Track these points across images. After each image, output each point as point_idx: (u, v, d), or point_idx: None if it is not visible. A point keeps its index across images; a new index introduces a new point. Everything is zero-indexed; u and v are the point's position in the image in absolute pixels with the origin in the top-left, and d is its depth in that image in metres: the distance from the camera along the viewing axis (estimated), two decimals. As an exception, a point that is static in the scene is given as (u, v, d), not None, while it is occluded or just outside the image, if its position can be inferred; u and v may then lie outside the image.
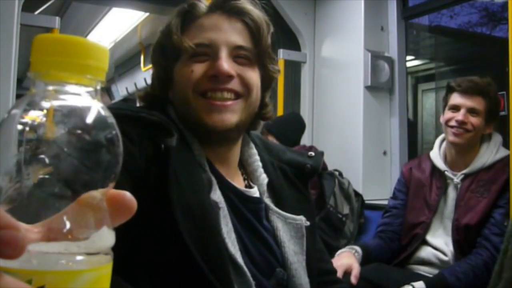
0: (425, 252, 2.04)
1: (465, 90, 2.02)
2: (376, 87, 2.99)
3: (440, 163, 2.11)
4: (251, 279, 0.85)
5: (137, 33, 4.67)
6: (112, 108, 0.89)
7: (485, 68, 3.46)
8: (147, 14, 3.98)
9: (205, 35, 0.93)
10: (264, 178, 1.00)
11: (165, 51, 0.97)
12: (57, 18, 2.69)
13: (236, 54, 0.93)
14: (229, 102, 0.91)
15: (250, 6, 0.96)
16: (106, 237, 0.33)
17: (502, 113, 2.53)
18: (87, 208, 0.32)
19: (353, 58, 3.03)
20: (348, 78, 3.08)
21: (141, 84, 5.20)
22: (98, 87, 0.34)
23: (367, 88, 2.97)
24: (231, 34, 0.94)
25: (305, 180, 1.08)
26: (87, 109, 0.33)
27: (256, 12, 0.97)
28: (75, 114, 0.33)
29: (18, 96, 2.34)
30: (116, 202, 0.34)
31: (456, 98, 2.04)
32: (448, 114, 2.06)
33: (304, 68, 3.40)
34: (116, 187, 0.78)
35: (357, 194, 2.73)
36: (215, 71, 0.90)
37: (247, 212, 0.93)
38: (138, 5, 3.44)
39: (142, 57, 4.93)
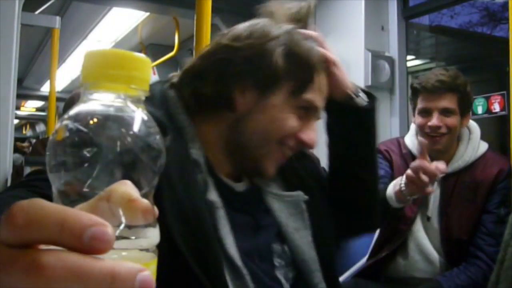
0: (412, 254, 1.89)
1: (433, 90, 1.77)
2: (377, 87, 2.99)
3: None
4: (249, 281, 0.83)
5: (137, 32, 4.67)
6: None
7: (485, 68, 3.46)
8: (147, 13, 3.99)
9: (317, 94, 0.94)
10: None
11: (290, 68, 0.89)
12: (58, 18, 2.70)
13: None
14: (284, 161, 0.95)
15: None
16: (158, 233, 0.36)
17: (502, 113, 2.53)
18: (148, 205, 0.34)
19: (354, 58, 3.03)
20: (348, 78, 3.07)
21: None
22: (143, 97, 0.37)
23: (368, 87, 2.96)
24: None
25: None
26: (135, 116, 0.36)
27: None
28: (124, 121, 0.35)
29: (18, 96, 2.34)
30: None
31: (424, 101, 1.81)
32: (419, 119, 1.83)
33: (304, 68, 3.40)
34: None
35: None
36: (308, 143, 0.94)
37: (242, 208, 0.92)
38: (138, 5, 3.43)
39: (142, 57, 4.93)
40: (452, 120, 1.78)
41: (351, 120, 1.06)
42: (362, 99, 1.07)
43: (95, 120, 0.34)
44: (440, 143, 1.80)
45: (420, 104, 1.82)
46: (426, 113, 1.80)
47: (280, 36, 0.89)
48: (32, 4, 2.80)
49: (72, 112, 0.35)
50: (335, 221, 1.02)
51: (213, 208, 0.84)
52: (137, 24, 4.42)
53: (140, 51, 4.96)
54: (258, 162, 0.92)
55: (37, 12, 3.09)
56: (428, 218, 1.87)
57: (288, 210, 0.96)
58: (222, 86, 0.89)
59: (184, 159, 0.85)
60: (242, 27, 0.91)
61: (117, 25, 4.48)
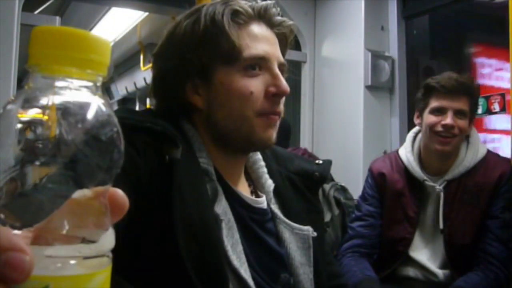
0: (413, 271, 1.88)
1: (451, 90, 1.80)
2: (377, 87, 2.99)
3: (417, 172, 1.89)
4: None
5: (136, 32, 4.66)
6: (116, 117, 0.87)
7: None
8: (146, 13, 3.98)
9: (260, 46, 0.89)
10: (270, 185, 0.98)
11: (206, 49, 0.88)
12: (57, 18, 2.69)
13: (281, 70, 0.92)
14: (277, 117, 0.92)
15: (283, 18, 0.96)
16: (112, 238, 0.33)
17: (502, 113, 2.53)
18: (95, 208, 0.31)
19: (354, 58, 3.03)
20: (348, 78, 3.08)
21: (140, 83, 5.20)
22: (99, 83, 0.33)
23: (368, 87, 2.96)
24: (277, 48, 0.93)
25: (314, 189, 1.06)
26: (89, 105, 0.32)
27: (288, 24, 0.96)
28: (77, 111, 0.32)
29: (18, 96, 2.33)
30: (110, 201, 0.34)
31: (439, 100, 1.81)
32: (431, 118, 1.83)
33: (304, 68, 3.40)
34: None
35: (339, 203, 2.56)
36: (279, 91, 0.88)
37: (252, 223, 0.91)
38: (137, 5, 3.43)
39: (141, 57, 4.92)
40: (464, 123, 1.81)
41: None
42: None
43: (35, 109, 0.31)
44: (450, 144, 1.81)
45: (434, 103, 1.83)
46: (439, 112, 1.82)
47: (183, 35, 0.90)
48: (32, 4, 2.80)
49: (13, 100, 0.31)
50: None
51: (219, 219, 0.83)
52: (136, 24, 4.41)
53: (139, 51, 4.96)
54: (252, 136, 0.89)
55: (36, 12, 3.08)
56: (442, 231, 1.84)
57: (296, 243, 0.96)
58: (173, 100, 0.92)
59: (194, 170, 0.84)
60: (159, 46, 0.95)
61: (116, 25, 4.47)
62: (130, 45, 5.04)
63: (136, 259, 0.75)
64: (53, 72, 0.32)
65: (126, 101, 6.55)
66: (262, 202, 0.95)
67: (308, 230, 0.96)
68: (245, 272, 0.83)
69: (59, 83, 0.32)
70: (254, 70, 0.88)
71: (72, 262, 0.30)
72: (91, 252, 0.31)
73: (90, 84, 0.33)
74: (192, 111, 0.92)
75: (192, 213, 0.78)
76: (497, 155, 1.92)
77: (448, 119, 1.79)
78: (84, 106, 0.32)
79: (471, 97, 1.82)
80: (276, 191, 0.99)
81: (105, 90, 6.41)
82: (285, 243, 0.95)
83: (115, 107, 5.93)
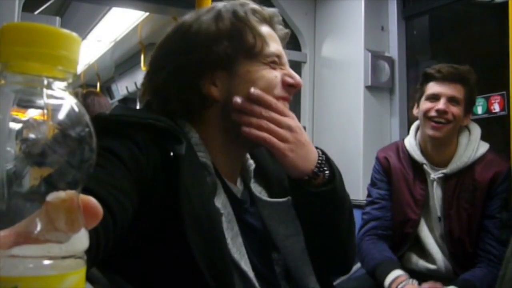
0: (415, 264, 1.92)
1: (445, 77, 1.85)
2: (377, 87, 2.99)
3: (418, 155, 1.94)
4: (256, 284, 0.84)
5: (137, 32, 4.66)
6: (117, 115, 0.85)
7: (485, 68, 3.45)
8: (147, 13, 3.98)
9: (275, 44, 0.96)
10: (251, 164, 1.00)
11: (232, 42, 0.92)
12: (57, 18, 2.69)
13: None
14: None
15: (283, 28, 1.02)
16: (85, 239, 0.32)
17: (502, 113, 2.53)
18: (64, 208, 0.31)
19: (354, 58, 3.03)
20: (348, 78, 3.08)
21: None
22: (70, 80, 0.33)
23: (368, 88, 2.96)
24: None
25: None
26: (60, 103, 0.32)
27: (286, 32, 1.02)
28: (48, 108, 0.31)
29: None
30: (84, 209, 0.33)
31: (434, 87, 1.87)
32: (426, 104, 1.88)
33: (304, 68, 3.40)
34: (122, 194, 0.76)
35: None
36: (296, 82, 0.95)
37: (245, 214, 0.93)
38: (138, 5, 3.43)
39: (142, 57, 4.93)
40: (457, 110, 1.85)
41: (310, 201, 0.95)
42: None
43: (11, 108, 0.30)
44: (442, 130, 1.85)
45: (429, 90, 1.89)
46: (434, 98, 1.87)
47: (206, 29, 0.92)
48: (32, 4, 2.80)
49: None
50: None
51: (219, 213, 0.84)
52: (137, 24, 4.41)
53: (139, 51, 4.96)
54: None
55: (36, 13, 3.09)
56: (440, 219, 1.88)
57: (278, 217, 0.95)
58: (190, 93, 0.91)
59: (196, 165, 0.85)
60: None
61: (117, 25, 4.47)
62: (131, 45, 5.04)
63: (143, 256, 0.75)
64: (22, 69, 0.31)
65: (127, 101, 6.55)
66: (238, 191, 0.96)
67: (288, 200, 0.94)
68: (245, 265, 0.84)
69: (28, 81, 0.31)
70: (272, 64, 0.94)
71: (43, 262, 0.29)
72: (60, 252, 0.30)
73: (60, 81, 0.32)
74: (203, 105, 0.92)
75: (197, 207, 0.79)
76: (497, 155, 1.92)
77: (441, 105, 1.84)
78: (54, 104, 0.31)
79: (466, 85, 1.86)
80: (259, 172, 1.00)
81: (106, 90, 6.42)
82: (265, 221, 0.95)
83: (116, 107, 5.92)
